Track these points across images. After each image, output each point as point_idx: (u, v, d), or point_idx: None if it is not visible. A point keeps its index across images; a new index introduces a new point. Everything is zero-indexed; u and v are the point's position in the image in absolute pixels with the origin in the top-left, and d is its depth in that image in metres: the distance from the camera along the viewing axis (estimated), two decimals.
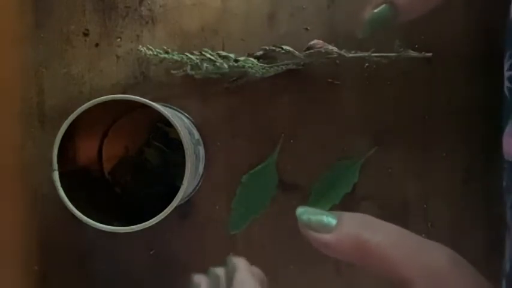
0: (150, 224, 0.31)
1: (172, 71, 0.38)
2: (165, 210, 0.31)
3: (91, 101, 0.31)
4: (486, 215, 0.38)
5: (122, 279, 0.40)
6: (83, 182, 0.36)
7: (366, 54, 0.37)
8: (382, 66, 0.38)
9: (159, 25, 0.40)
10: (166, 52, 0.38)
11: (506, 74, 0.36)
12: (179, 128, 0.31)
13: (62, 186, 0.31)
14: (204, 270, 0.32)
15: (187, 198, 0.38)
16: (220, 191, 0.39)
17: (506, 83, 0.36)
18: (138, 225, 0.31)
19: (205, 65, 0.38)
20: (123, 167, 0.40)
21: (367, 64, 0.39)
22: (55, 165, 0.31)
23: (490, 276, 0.38)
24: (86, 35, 0.40)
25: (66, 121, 0.31)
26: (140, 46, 0.38)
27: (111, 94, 0.32)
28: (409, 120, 0.39)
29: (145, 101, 0.31)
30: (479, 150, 0.39)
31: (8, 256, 0.40)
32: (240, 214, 0.39)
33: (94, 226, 0.31)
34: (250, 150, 0.40)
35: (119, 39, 0.40)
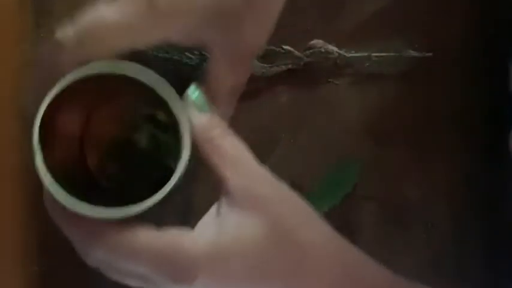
0: (145, 206, 0.29)
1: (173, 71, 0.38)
2: (157, 193, 0.29)
3: (63, 81, 0.28)
4: (486, 215, 0.38)
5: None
6: (67, 177, 0.34)
7: (365, 54, 0.37)
8: (382, 66, 0.38)
9: None
10: (166, 52, 0.38)
11: None
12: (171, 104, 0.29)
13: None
14: None
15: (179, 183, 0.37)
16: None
17: None
18: (129, 208, 0.28)
19: (205, 64, 0.38)
20: (110, 159, 0.39)
21: (367, 64, 0.39)
22: (37, 150, 0.28)
23: (490, 277, 0.38)
24: None
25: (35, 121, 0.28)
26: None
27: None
28: (409, 120, 0.39)
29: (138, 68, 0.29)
30: (479, 150, 0.39)
31: (8, 256, 0.40)
32: None
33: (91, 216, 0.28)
34: (250, 150, 0.39)
35: None
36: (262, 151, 0.40)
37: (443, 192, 0.39)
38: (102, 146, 0.38)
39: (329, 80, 0.39)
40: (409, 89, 0.39)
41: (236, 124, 0.40)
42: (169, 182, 0.29)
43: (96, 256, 0.29)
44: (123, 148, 0.38)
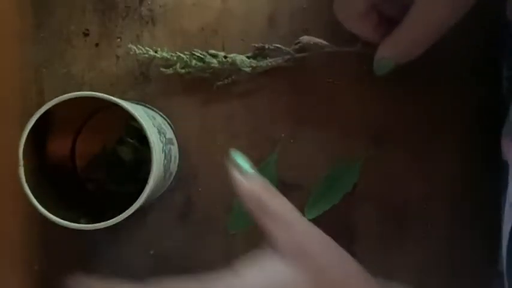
0: (114, 222, 0.31)
1: (162, 69, 0.38)
2: (128, 210, 0.31)
3: (59, 97, 0.31)
4: (486, 215, 0.38)
5: (122, 279, 0.40)
6: (54, 179, 0.35)
7: (353, 48, 0.37)
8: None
9: (159, 25, 0.40)
10: (156, 51, 0.38)
11: (505, 74, 0.36)
12: (144, 124, 0.31)
13: (32, 181, 0.31)
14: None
15: (158, 195, 0.38)
16: (220, 191, 0.39)
17: (505, 84, 0.36)
18: (101, 223, 0.31)
19: (194, 61, 0.38)
20: (96, 165, 0.40)
21: (365, 66, 0.39)
22: (21, 161, 0.31)
23: (490, 277, 0.38)
24: (86, 35, 0.40)
25: (33, 117, 0.31)
26: (130, 44, 0.38)
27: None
28: (409, 120, 0.39)
29: (111, 99, 0.31)
30: (479, 150, 0.39)
31: (8, 256, 0.40)
32: (240, 214, 0.39)
33: (59, 223, 0.31)
34: (250, 150, 0.39)
35: (118, 39, 0.40)
36: (262, 151, 0.40)
37: (443, 192, 0.39)
38: (90, 155, 0.39)
39: (329, 80, 0.39)
40: (409, 89, 0.39)
41: (236, 124, 0.40)
42: (134, 204, 0.31)
43: None
44: (109, 158, 0.40)
